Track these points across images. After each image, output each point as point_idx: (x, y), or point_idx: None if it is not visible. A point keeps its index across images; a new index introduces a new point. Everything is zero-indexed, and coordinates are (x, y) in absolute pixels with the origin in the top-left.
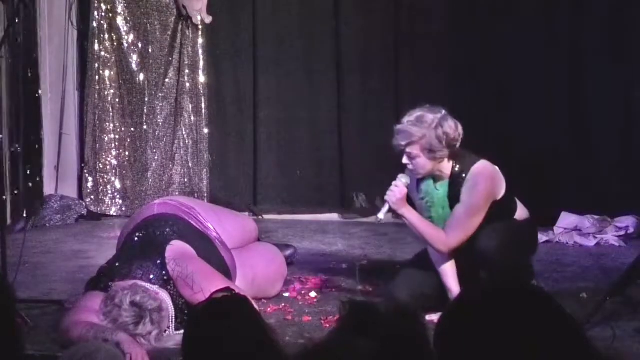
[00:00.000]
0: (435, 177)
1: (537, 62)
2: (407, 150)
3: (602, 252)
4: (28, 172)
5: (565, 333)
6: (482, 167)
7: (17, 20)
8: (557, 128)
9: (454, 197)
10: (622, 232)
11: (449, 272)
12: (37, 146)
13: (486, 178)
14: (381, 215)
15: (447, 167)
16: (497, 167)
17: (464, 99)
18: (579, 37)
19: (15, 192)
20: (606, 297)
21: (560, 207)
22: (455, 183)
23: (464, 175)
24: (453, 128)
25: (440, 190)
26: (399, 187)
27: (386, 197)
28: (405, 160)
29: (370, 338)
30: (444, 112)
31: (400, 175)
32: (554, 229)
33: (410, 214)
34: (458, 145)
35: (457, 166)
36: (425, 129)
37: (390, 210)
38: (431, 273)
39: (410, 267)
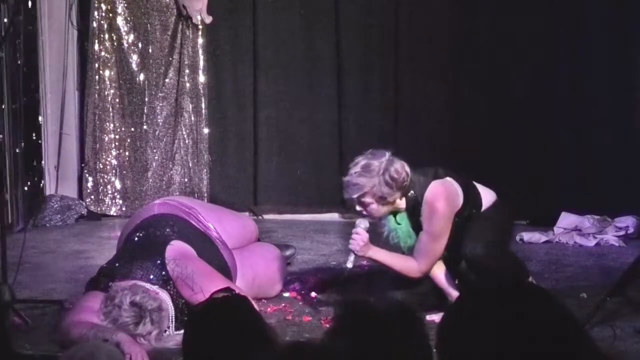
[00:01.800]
0: (393, 213)
1: (538, 61)
2: (360, 200)
3: (602, 252)
4: (29, 172)
5: (566, 331)
6: (433, 192)
7: (17, 20)
8: (557, 128)
9: (417, 226)
10: (622, 232)
11: (445, 281)
12: (37, 146)
13: (439, 201)
14: (349, 264)
15: (401, 202)
16: (447, 179)
17: (464, 99)
18: (579, 36)
19: (16, 192)
20: (606, 297)
21: (560, 207)
22: (414, 212)
23: (419, 201)
24: (399, 171)
25: (402, 223)
26: (360, 234)
27: (350, 246)
28: (358, 209)
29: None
30: (387, 155)
31: (358, 221)
32: (554, 229)
33: (377, 255)
34: (407, 184)
35: (411, 193)
36: (374, 176)
37: (357, 257)
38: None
39: None
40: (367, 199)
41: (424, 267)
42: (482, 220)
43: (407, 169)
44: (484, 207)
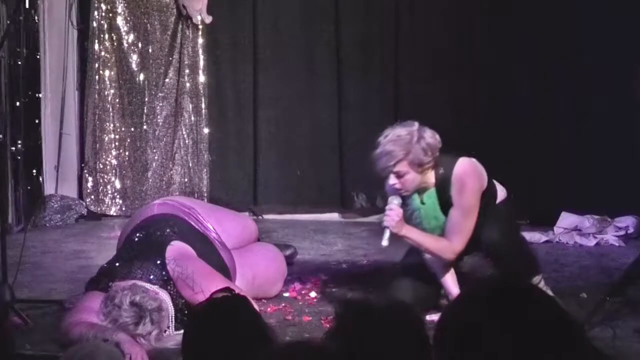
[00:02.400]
0: (419, 191)
1: (538, 61)
2: (395, 169)
3: (602, 252)
4: (29, 172)
5: (565, 332)
6: (464, 166)
7: (17, 20)
8: (557, 128)
9: (445, 203)
10: (622, 232)
11: (450, 280)
12: (37, 146)
13: (470, 175)
14: (385, 242)
15: (430, 176)
16: (473, 159)
17: (465, 99)
18: (579, 36)
19: (16, 192)
20: (606, 297)
21: (560, 207)
22: (443, 188)
23: (448, 178)
24: (432, 137)
25: (428, 202)
26: (394, 209)
27: (384, 223)
28: (392, 180)
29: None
30: (417, 124)
31: (390, 198)
32: (554, 229)
33: (411, 233)
34: (438, 154)
35: (441, 170)
36: (409, 143)
37: (392, 234)
38: (427, 272)
39: (405, 268)
40: (403, 168)
41: (458, 245)
42: (497, 211)
43: (438, 137)
44: (497, 200)
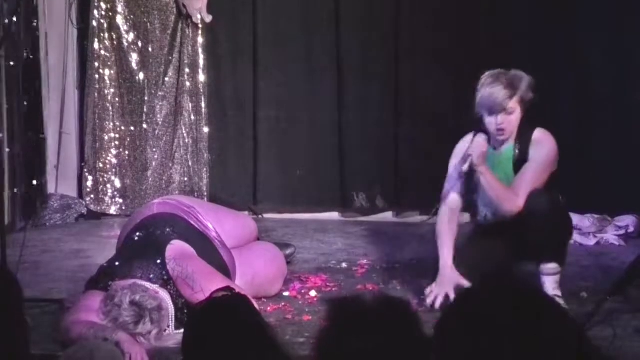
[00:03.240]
0: (496, 144)
1: (538, 61)
2: (509, 105)
3: (602, 251)
4: (29, 171)
5: (565, 332)
6: (546, 133)
7: (16, 20)
8: (557, 127)
9: (520, 157)
10: (622, 232)
11: (448, 244)
12: (38, 145)
13: (552, 141)
14: (465, 167)
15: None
16: None
17: (465, 99)
18: (579, 36)
19: (16, 191)
20: (606, 297)
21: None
22: (524, 141)
23: (529, 137)
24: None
25: (504, 154)
26: (481, 142)
27: (470, 151)
28: (500, 120)
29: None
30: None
31: (477, 135)
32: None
33: (487, 172)
34: None
35: (525, 124)
36: (517, 81)
37: (471, 165)
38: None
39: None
40: (513, 104)
41: (521, 200)
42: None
43: None
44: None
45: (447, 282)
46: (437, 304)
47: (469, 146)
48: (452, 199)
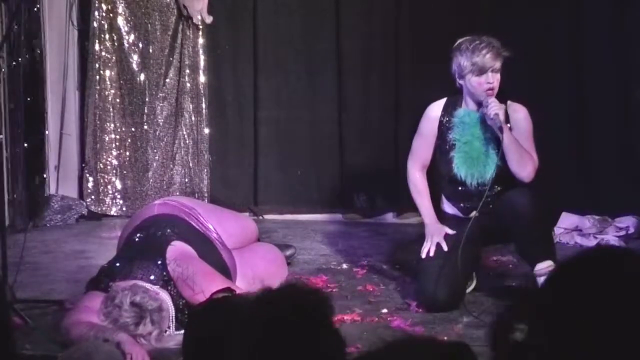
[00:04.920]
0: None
1: (537, 61)
2: (498, 66)
3: None
4: (30, 172)
5: None
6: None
7: (17, 21)
8: (557, 128)
9: (490, 130)
10: (623, 232)
11: (427, 199)
12: (38, 146)
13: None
14: (498, 121)
15: None
16: None
17: None
18: (579, 35)
19: (16, 192)
20: None
21: (560, 207)
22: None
23: (504, 99)
24: None
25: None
26: (497, 101)
27: (496, 110)
28: (492, 78)
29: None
30: None
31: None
32: (555, 229)
33: (509, 132)
34: None
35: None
36: (497, 42)
37: (499, 123)
38: (455, 265)
39: (431, 262)
40: (500, 63)
41: (537, 161)
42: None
43: None
44: None
45: (437, 233)
46: (432, 253)
47: (491, 105)
48: (422, 156)
